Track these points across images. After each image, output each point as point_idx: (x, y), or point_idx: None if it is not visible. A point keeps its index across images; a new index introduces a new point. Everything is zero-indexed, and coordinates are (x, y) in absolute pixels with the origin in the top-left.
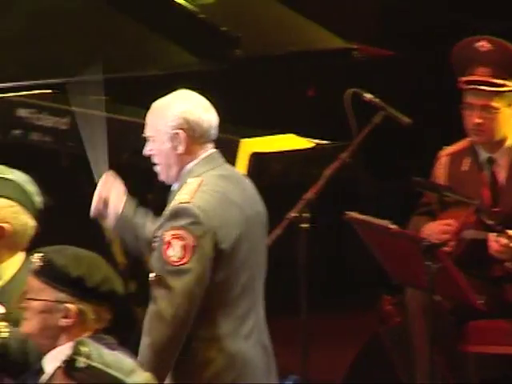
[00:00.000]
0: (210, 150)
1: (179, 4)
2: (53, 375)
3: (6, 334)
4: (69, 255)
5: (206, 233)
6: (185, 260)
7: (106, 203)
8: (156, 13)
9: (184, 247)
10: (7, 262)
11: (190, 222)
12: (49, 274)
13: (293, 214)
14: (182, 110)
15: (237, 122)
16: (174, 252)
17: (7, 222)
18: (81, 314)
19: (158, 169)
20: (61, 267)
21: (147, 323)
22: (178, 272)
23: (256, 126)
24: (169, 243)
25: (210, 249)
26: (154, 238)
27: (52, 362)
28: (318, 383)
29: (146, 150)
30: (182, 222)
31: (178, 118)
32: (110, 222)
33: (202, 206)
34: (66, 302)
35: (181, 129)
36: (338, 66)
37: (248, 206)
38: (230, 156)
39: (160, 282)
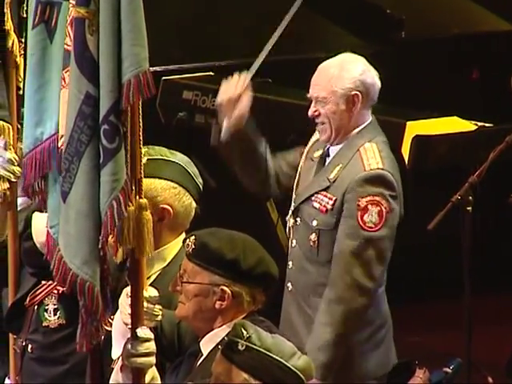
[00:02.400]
0: (370, 115)
1: None
2: (209, 357)
3: (159, 318)
4: (223, 238)
5: (397, 200)
6: (379, 226)
7: (230, 103)
8: None
9: (379, 213)
10: (170, 243)
11: (386, 189)
12: (203, 256)
13: (457, 197)
14: (359, 71)
15: (401, 105)
16: (370, 218)
17: (169, 204)
18: (236, 296)
19: (321, 128)
20: (215, 250)
21: (340, 291)
22: (373, 238)
23: (420, 108)
24: (366, 208)
25: (398, 215)
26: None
27: (208, 343)
28: (482, 365)
29: (311, 111)
30: (379, 188)
31: (356, 80)
32: (231, 122)
33: (392, 173)
34: (221, 285)
35: (358, 91)
36: (503, 49)
37: None
38: (396, 138)
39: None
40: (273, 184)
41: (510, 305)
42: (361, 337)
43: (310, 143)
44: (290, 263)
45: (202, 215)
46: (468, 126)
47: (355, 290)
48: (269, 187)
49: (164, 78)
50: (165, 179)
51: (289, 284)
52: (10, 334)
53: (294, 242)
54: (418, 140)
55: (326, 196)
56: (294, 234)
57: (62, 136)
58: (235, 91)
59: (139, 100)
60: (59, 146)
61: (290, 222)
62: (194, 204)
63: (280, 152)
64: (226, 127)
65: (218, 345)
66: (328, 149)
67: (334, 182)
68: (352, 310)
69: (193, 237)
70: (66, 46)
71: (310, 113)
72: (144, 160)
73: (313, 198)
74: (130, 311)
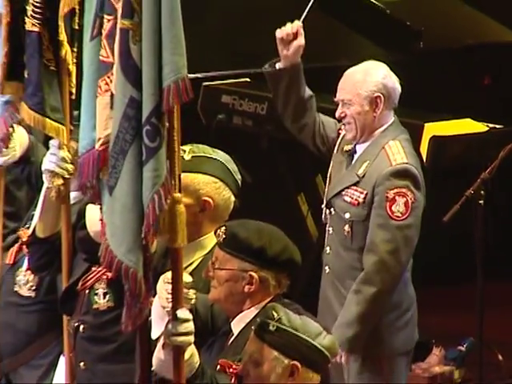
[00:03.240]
0: (393, 116)
1: (369, 2)
2: (239, 336)
3: (193, 301)
4: (251, 228)
5: (421, 191)
6: (406, 215)
7: (288, 36)
8: (348, 10)
9: (406, 204)
10: (211, 233)
11: (411, 182)
12: (233, 245)
13: (470, 192)
14: (382, 76)
15: (420, 108)
16: (398, 208)
17: (210, 197)
18: (263, 280)
19: (347, 128)
20: (244, 239)
21: (371, 274)
22: (401, 227)
23: (437, 111)
24: (393, 200)
25: (422, 205)
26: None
27: (239, 324)
28: (493, 344)
29: (338, 113)
30: (405, 181)
31: (379, 83)
32: (291, 50)
33: (416, 167)
34: (250, 271)
35: (381, 93)
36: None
37: None
38: (415, 139)
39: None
40: (316, 132)
41: None
42: (391, 317)
43: (340, 137)
44: (328, 248)
45: (239, 208)
46: (480, 127)
47: (385, 274)
48: (310, 132)
49: (205, 83)
50: (207, 174)
51: (326, 267)
52: (64, 316)
53: (331, 229)
54: (435, 140)
55: (356, 190)
56: (330, 222)
57: (99, 138)
58: (293, 27)
59: (178, 103)
60: (98, 147)
61: (325, 212)
62: (232, 198)
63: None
64: (286, 55)
65: (247, 325)
66: (355, 146)
67: (362, 177)
68: (381, 291)
69: (223, 227)
70: (101, 58)
71: (337, 114)
72: (189, 157)
73: (343, 193)
74: (167, 296)
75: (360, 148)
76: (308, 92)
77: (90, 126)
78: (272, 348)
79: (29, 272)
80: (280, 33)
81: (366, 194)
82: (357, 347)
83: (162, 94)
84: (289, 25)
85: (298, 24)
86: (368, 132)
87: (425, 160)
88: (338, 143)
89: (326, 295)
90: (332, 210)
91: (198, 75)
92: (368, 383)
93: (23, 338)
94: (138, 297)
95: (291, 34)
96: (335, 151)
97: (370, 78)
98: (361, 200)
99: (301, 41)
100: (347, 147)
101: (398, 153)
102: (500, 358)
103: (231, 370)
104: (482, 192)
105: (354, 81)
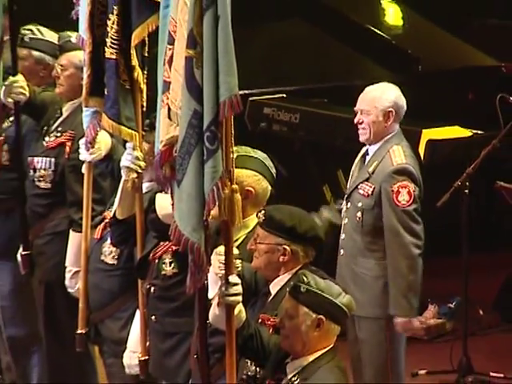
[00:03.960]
0: (397, 126)
1: (376, 32)
2: (276, 296)
3: (240, 268)
4: (284, 211)
5: (418, 184)
6: (410, 202)
7: None
8: (360, 40)
9: (408, 193)
10: (252, 215)
11: (409, 177)
12: (270, 225)
13: (458, 183)
14: (395, 95)
15: (419, 118)
16: (403, 197)
17: (252, 187)
18: (294, 252)
19: (362, 132)
20: (279, 220)
21: (396, 251)
22: (407, 210)
23: (431, 120)
24: (398, 191)
25: (418, 194)
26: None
27: (275, 286)
28: (476, 302)
29: (357, 119)
30: (404, 176)
31: (392, 101)
32: None
33: (413, 166)
34: (283, 245)
35: (393, 109)
36: (490, 78)
37: None
38: (414, 141)
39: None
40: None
41: (496, 259)
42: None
43: (359, 156)
44: (343, 235)
45: (275, 195)
46: (466, 132)
47: (409, 247)
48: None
49: (250, 98)
50: (249, 169)
51: (341, 250)
52: (139, 280)
53: (346, 220)
54: (430, 143)
55: (367, 185)
56: (346, 214)
57: (161, 141)
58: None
59: (231, 115)
60: (161, 148)
61: (344, 205)
62: (269, 187)
63: None
64: None
65: (282, 287)
66: (367, 150)
67: (372, 173)
68: (413, 260)
69: (263, 211)
70: (164, 78)
71: (355, 120)
72: (235, 156)
73: (358, 187)
74: (219, 264)
75: (371, 150)
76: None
77: (158, 132)
78: (303, 305)
79: (112, 245)
80: None
81: (374, 188)
82: (411, 311)
83: (219, 107)
84: None
85: None
86: (378, 137)
87: (422, 158)
88: (357, 159)
89: (341, 272)
90: (349, 203)
91: (246, 92)
92: (385, 333)
93: (107, 296)
94: (200, 266)
95: None
96: (356, 161)
97: (386, 95)
98: (370, 192)
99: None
100: (360, 154)
101: (399, 156)
102: (481, 312)
103: (269, 322)
104: (467, 183)
105: (373, 96)
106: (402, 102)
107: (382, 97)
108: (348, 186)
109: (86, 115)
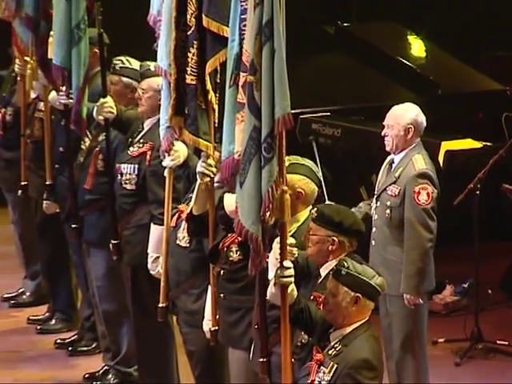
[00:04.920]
0: (418, 139)
1: (403, 62)
2: (325, 278)
3: (296, 255)
4: (333, 208)
5: (436, 186)
6: (428, 201)
7: None
8: (390, 68)
9: (427, 194)
10: (302, 212)
11: (429, 180)
12: (321, 220)
13: (471, 186)
14: (415, 114)
15: (438, 132)
16: (423, 197)
17: (302, 189)
18: (340, 242)
19: (387, 143)
20: (328, 216)
21: (415, 241)
22: (426, 209)
23: (449, 134)
24: (419, 192)
25: (436, 195)
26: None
27: (324, 270)
28: (485, 283)
29: (384, 132)
30: (425, 180)
31: (412, 119)
32: None
33: (432, 171)
34: (332, 236)
35: (412, 125)
36: (496, 100)
37: None
38: (435, 152)
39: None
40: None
41: (502, 247)
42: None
43: (385, 162)
44: (374, 229)
45: (321, 196)
46: (477, 144)
47: (423, 240)
48: None
49: (301, 116)
50: (299, 174)
51: (373, 241)
52: (211, 264)
53: (376, 216)
54: (448, 153)
55: (394, 187)
56: (376, 211)
57: (237, 151)
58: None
59: (284, 129)
60: (236, 157)
61: (374, 204)
62: (316, 188)
63: None
64: None
65: (330, 271)
66: (393, 158)
67: (398, 177)
68: (424, 250)
69: (315, 208)
70: (239, 99)
71: (382, 133)
72: (287, 164)
73: (387, 189)
74: (278, 251)
75: (397, 159)
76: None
77: (228, 142)
78: (343, 285)
79: (185, 231)
80: None
81: (400, 190)
82: (419, 290)
83: (274, 123)
84: None
85: None
86: (399, 148)
87: (442, 165)
88: (384, 165)
89: (373, 259)
90: (379, 202)
91: (297, 111)
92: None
93: (183, 276)
94: (258, 253)
95: None
96: (383, 167)
97: (407, 114)
98: (397, 193)
99: None
100: (386, 161)
101: (420, 163)
102: (489, 291)
103: (320, 299)
104: (478, 186)
105: (396, 114)
106: (422, 119)
107: (403, 115)
108: (377, 189)
109: (162, 129)
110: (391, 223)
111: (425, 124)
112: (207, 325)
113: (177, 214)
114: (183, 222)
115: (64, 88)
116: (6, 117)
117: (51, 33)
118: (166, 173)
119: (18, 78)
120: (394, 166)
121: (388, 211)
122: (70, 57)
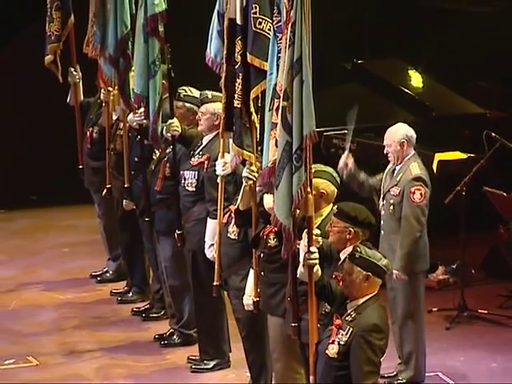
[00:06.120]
0: (413, 150)
1: (405, 91)
2: (343, 261)
3: (320, 242)
4: (350, 206)
5: (428, 188)
6: (422, 199)
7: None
8: (394, 95)
9: (421, 193)
10: (325, 208)
11: (423, 182)
12: (341, 214)
13: (458, 189)
14: (405, 130)
15: (432, 145)
16: (417, 196)
17: (325, 190)
18: (356, 233)
19: (390, 158)
20: (346, 211)
21: (408, 231)
22: (419, 205)
23: (441, 147)
24: (414, 192)
25: (429, 195)
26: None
27: (343, 255)
28: (469, 265)
29: (385, 150)
30: (419, 182)
31: (403, 134)
32: (347, 170)
33: (425, 176)
34: (349, 228)
35: (405, 139)
36: (479, 120)
37: None
38: (429, 162)
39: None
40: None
41: (483, 236)
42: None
43: (387, 168)
44: (382, 222)
45: (340, 196)
46: (464, 155)
47: (414, 230)
48: (368, 193)
49: (324, 133)
50: (322, 178)
51: (382, 231)
52: (253, 250)
53: (383, 211)
54: (440, 162)
55: (396, 188)
56: (382, 207)
57: (270, 161)
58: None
59: (311, 143)
60: (269, 165)
61: (381, 202)
62: (336, 190)
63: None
64: (347, 173)
65: (347, 255)
66: (395, 168)
67: (398, 181)
68: (414, 238)
69: (336, 206)
70: (272, 120)
71: (385, 151)
72: (313, 170)
73: (390, 190)
74: (306, 239)
75: (398, 167)
76: (363, 178)
77: (267, 154)
78: (356, 266)
79: (234, 226)
80: (339, 165)
81: (400, 190)
82: (406, 269)
83: (303, 138)
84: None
85: (346, 156)
86: (400, 159)
87: (435, 172)
88: (386, 171)
89: (382, 245)
90: (384, 200)
91: (321, 129)
92: (411, 284)
93: (232, 260)
94: (290, 240)
95: (345, 161)
96: (385, 172)
97: (399, 131)
98: (397, 193)
99: (351, 164)
100: (388, 168)
101: (416, 169)
102: (473, 271)
103: (339, 278)
104: (465, 188)
105: (392, 133)
106: (412, 133)
107: (396, 132)
108: (382, 190)
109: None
110: (394, 217)
111: (415, 136)
112: (247, 299)
113: (228, 213)
114: (233, 219)
115: (139, 111)
116: (94, 134)
117: (132, 68)
118: (218, 179)
119: (103, 104)
120: (395, 172)
121: (391, 207)
122: (148, 87)
